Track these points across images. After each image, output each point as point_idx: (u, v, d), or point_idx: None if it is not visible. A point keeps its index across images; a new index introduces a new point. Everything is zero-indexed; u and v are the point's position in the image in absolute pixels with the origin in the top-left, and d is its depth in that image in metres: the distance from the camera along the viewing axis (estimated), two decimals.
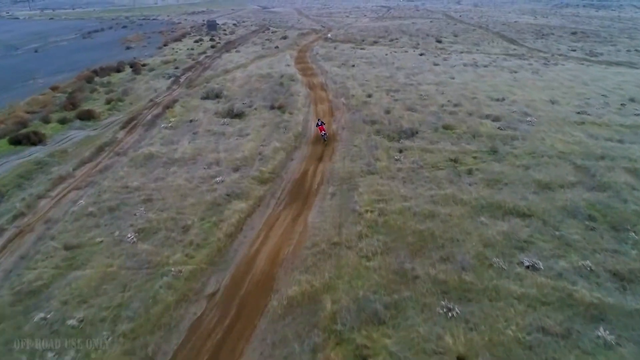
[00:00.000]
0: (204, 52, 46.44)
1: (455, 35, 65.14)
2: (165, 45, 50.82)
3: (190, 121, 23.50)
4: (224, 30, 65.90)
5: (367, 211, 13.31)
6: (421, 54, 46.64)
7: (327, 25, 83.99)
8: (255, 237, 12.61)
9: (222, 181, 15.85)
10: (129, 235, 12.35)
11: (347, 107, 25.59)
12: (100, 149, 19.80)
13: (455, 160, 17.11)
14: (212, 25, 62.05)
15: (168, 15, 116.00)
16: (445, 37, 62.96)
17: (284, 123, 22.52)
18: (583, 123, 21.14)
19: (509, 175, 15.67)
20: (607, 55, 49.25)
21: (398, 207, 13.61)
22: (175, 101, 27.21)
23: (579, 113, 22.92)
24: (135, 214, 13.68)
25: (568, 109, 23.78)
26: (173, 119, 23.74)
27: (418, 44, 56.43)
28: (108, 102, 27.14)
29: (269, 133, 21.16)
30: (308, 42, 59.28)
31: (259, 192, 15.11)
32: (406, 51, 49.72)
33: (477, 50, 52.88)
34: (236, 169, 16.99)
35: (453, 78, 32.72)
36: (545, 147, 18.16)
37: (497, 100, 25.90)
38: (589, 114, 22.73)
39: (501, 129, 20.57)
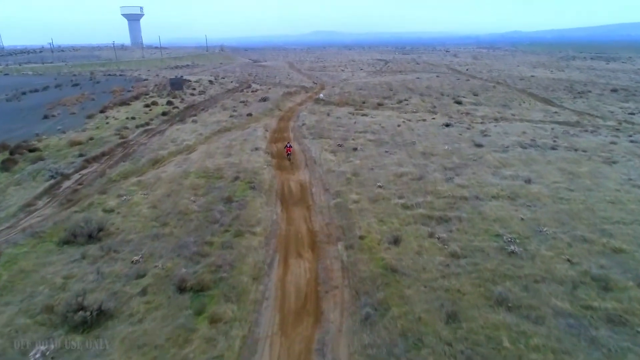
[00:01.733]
0: (147, 124, 33.37)
1: (475, 94, 53.50)
2: (102, 111, 37.95)
3: None
4: (194, 88, 53.94)
5: None
6: (447, 125, 33.81)
7: (320, 80, 73.24)
8: None
9: None
10: None
11: (350, 280, 11.46)
12: None
13: None
14: (176, 84, 50.16)
15: (148, 70, 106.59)
16: (464, 97, 51.16)
17: None
18: None
19: None
20: None
21: None
22: None
23: None
24: None
25: None
26: None
27: (434, 107, 44.18)
28: None
29: None
30: (294, 104, 47.02)
31: None
32: (424, 119, 37.04)
33: (513, 115, 40.53)
34: None
35: (529, 182, 19.06)
36: None
37: None
38: None
39: None
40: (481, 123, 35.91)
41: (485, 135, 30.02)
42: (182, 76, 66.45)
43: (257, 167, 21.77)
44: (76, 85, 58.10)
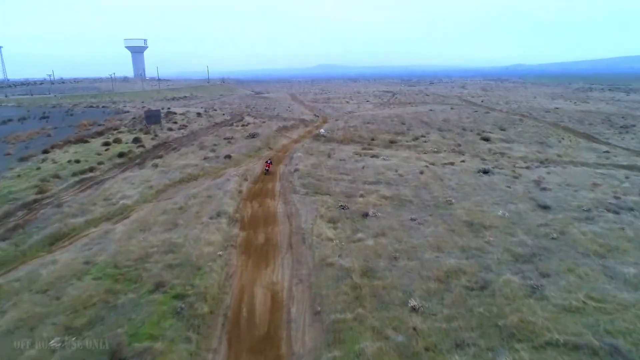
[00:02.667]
0: (90, 170, 25.54)
1: (502, 129, 45.59)
2: (45, 151, 30.34)
3: None
4: (175, 122, 46.60)
5: None
6: (485, 171, 25.54)
7: (323, 113, 66.18)
8: None
9: None
10: None
11: None
12: None
13: None
14: (152, 117, 42.88)
15: (142, 101, 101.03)
16: (490, 132, 43.20)
17: None
18: None
19: None
20: None
21: None
22: None
23: None
24: None
25: None
26: None
27: (459, 145, 36.13)
28: None
29: None
30: (290, 141, 39.27)
31: None
32: (451, 162, 28.87)
33: (559, 156, 32.34)
34: None
35: None
36: None
37: None
38: None
39: None
40: (526, 168, 27.68)
41: (544, 189, 21.62)
42: (169, 108, 59.77)
43: (207, 254, 13.34)
44: (45, 118, 51.26)
